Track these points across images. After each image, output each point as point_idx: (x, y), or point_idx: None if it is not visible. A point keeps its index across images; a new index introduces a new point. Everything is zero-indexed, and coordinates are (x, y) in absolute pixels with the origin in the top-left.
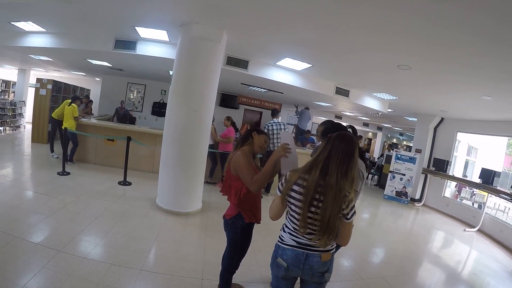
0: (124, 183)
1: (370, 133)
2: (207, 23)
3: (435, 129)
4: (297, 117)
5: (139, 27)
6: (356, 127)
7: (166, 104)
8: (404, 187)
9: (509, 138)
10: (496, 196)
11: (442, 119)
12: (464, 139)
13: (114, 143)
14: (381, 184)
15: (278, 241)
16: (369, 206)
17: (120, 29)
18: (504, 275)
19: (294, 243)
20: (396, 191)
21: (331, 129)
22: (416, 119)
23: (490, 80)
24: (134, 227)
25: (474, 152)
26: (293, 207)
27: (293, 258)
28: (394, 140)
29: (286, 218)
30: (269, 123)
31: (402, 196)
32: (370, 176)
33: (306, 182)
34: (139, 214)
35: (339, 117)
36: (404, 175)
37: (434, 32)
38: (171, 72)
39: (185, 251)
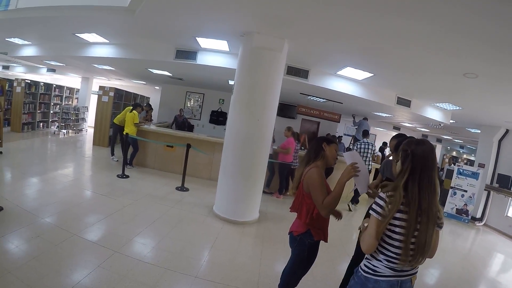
0: (182, 189)
1: (436, 146)
2: (268, 33)
3: (499, 142)
4: (355, 128)
5: (200, 37)
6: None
7: (224, 112)
8: (466, 204)
9: None
10: None
11: (507, 131)
12: None
13: (173, 150)
14: (440, 200)
15: (367, 272)
16: None
17: (181, 40)
18: None
19: (390, 273)
20: (456, 208)
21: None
22: (479, 131)
23: None
24: (191, 233)
25: None
26: (397, 230)
27: None
28: (454, 153)
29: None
30: (359, 142)
31: (463, 214)
32: None
33: (408, 206)
34: (196, 220)
35: (397, 128)
36: (466, 191)
37: (503, 39)
38: (231, 82)
39: (241, 260)
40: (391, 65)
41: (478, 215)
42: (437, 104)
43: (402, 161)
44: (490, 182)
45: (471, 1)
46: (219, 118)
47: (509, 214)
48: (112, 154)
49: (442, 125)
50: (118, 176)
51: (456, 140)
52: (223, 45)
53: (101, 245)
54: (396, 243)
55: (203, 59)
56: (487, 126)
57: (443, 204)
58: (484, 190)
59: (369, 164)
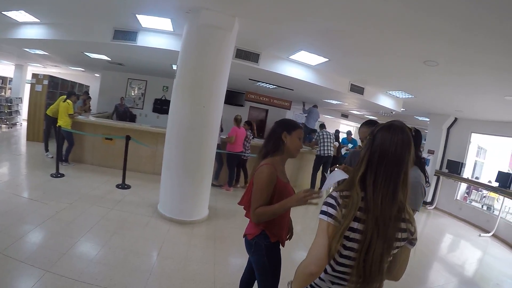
0: (123, 186)
1: None
2: (217, 9)
3: (448, 129)
4: (305, 115)
5: (141, 15)
6: (358, 124)
7: (168, 100)
8: None
9: None
10: None
11: (456, 119)
12: (474, 140)
13: (112, 142)
14: None
15: None
16: None
17: (120, 18)
18: None
19: None
20: None
21: None
22: (427, 119)
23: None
24: (134, 239)
25: (483, 153)
26: (348, 245)
27: None
28: None
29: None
30: (320, 131)
31: None
32: None
33: (366, 212)
34: (140, 223)
35: (346, 116)
36: None
37: (469, 18)
38: (174, 67)
39: (193, 268)
40: (350, 50)
41: (429, 199)
42: (390, 92)
43: (365, 147)
44: (439, 168)
45: None
46: (163, 106)
47: (458, 198)
48: (46, 150)
49: (393, 113)
50: (52, 175)
51: None
52: (166, 24)
53: (30, 265)
54: (346, 261)
55: (145, 40)
56: (436, 114)
57: None
58: (434, 175)
59: (331, 151)
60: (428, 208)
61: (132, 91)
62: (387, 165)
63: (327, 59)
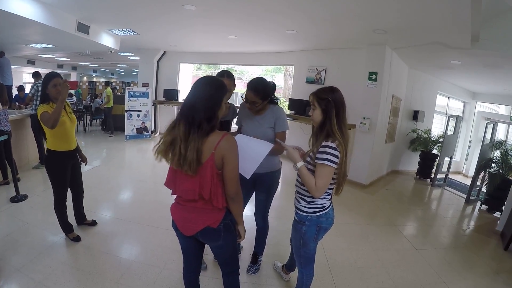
0: None
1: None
2: None
3: (157, 62)
4: None
5: None
6: (49, 70)
7: None
8: (143, 122)
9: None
10: None
11: (165, 52)
12: (183, 69)
13: None
14: (108, 127)
15: (317, 211)
16: (112, 150)
17: None
18: None
19: (330, 201)
20: (136, 128)
21: (271, 88)
22: (129, 54)
23: (238, 21)
24: None
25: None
26: (336, 171)
27: (332, 214)
28: (85, 78)
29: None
30: (37, 84)
31: (143, 132)
32: (92, 121)
33: (343, 146)
34: None
35: (32, 62)
36: (140, 111)
37: None
38: None
39: None
40: None
41: (153, 128)
42: (113, 30)
43: (324, 108)
44: (155, 98)
45: None
46: None
47: None
48: None
49: (112, 51)
50: None
51: (93, 65)
52: None
53: None
54: (335, 180)
55: None
56: (147, 49)
57: (123, 129)
58: (152, 105)
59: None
60: (155, 135)
61: None
62: (344, 111)
63: None
